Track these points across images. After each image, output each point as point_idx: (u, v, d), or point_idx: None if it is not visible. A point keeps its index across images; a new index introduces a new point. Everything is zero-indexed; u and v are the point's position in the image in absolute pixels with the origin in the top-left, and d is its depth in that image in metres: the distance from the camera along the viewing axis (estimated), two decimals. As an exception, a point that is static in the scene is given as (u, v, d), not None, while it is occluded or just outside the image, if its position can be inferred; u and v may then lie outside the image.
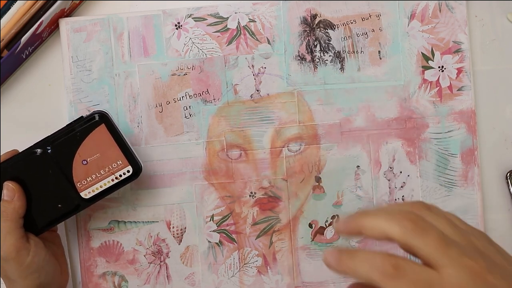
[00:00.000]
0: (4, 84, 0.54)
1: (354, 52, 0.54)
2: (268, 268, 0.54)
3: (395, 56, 0.54)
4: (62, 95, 0.54)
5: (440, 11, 0.54)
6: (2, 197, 0.46)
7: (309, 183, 0.54)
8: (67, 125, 0.47)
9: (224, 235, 0.54)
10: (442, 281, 0.29)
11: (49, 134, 0.47)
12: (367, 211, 0.33)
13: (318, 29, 0.54)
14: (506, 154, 0.55)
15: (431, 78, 0.54)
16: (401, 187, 0.54)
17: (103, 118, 0.47)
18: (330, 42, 0.54)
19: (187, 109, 0.54)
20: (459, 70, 0.54)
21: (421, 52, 0.54)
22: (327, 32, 0.54)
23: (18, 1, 0.50)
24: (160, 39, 0.54)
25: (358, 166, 0.54)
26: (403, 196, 0.54)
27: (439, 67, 0.54)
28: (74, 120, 0.47)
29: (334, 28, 0.54)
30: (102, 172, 0.47)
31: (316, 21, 0.54)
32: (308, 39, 0.54)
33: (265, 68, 0.54)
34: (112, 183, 0.47)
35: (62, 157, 0.47)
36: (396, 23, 0.54)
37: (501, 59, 0.55)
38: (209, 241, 0.54)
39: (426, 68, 0.54)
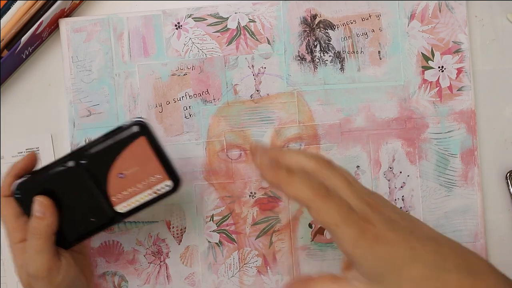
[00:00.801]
0: (4, 84, 0.55)
1: (354, 52, 0.54)
2: (268, 268, 0.54)
3: (395, 56, 0.54)
4: (62, 95, 0.54)
5: (440, 11, 0.54)
6: (33, 213, 0.43)
7: (309, 183, 0.54)
8: (104, 135, 0.43)
9: (224, 235, 0.54)
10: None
11: (85, 144, 0.44)
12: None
13: (318, 29, 0.54)
14: (506, 154, 0.55)
15: (431, 78, 0.54)
16: (401, 187, 0.54)
17: (143, 130, 0.43)
18: (330, 42, 0.54)
19: (187, 109, 0.54)
20: (459, 70, 0.54)
21: (421, 52, 0.54)
22: (327, 32, 0.54)
23: (18, 1, 0.50)
24: (160, 39, 0.54)
25: (358, 166, 0.54)
26: (403, 196, 0.54)
27: (439, 67, 0.54)
28: (113, 130, 0.43)
29: (334, 28, 0.54)
30: (139, 185, 0.44)
31: (316, 21, 0.54)
32: (308, 39, 0.54)
33: (265, 68, 0.54)
34: (149, 197, 0.44)
35: (97, 170, 0.43)
36: (396, 23, 0.54)
37: (501, 59, 0.55)
38: (209, 241, 0.54)
39: (426, 68, 0.54)
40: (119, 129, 0.43)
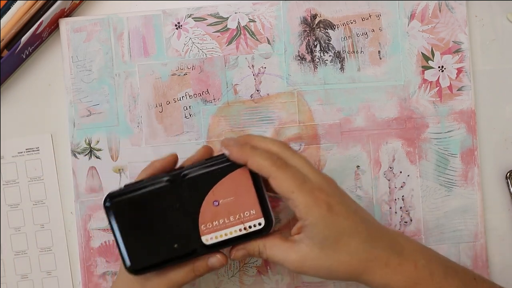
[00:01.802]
0: (4, 84, 0.55)
1: (354, 52, 0.54)
2: (268, 268, 0.54)
3: (395, 56, 0.54)
4: (62, 95, 0.54)
5: (440, 11, 0.54)
6: None
7: (309, 183, 0.54)
8: (206, 160, 0.43)
9: (224, 235, 0.54)
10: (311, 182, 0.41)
11: (185, 165, 0.44)
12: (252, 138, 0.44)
13: (318, 29, 0.54)
14: (506, 154, 0.55)
15: (431, 78, 0.54)
16: (401, 187, 0.54)
17: None
18: (330, 42, 0.54)
19: (187, 109, 0.54)
20: (459, 70, 0.54)
21: (421, 52, 0.54)
22: (327, 32, 0.54)
23: (18, 1, 0.50)
24: (160, 39, 0.54)
25: (358, 166, 0.54)
26: (403, 196, 0.54)
27: (439, 67, 0.54)
28: (217, 156, 0.44)
29: (334, 28, 0.54)
30: (231, 218, 0.42)
31: (316, 21, 0.54)
32: (308, 39, 0.54)
33: (265, 68, 0.54)
34: (239, 233, 0.42)
35: (194, 192, 0.42)
36: (396, 23, 0.54)
37: (501, 59, 0.55)
38: (209, 241, 0.54)
39: (426, 68, 0.54)
40: (222, 156, 0.43)
